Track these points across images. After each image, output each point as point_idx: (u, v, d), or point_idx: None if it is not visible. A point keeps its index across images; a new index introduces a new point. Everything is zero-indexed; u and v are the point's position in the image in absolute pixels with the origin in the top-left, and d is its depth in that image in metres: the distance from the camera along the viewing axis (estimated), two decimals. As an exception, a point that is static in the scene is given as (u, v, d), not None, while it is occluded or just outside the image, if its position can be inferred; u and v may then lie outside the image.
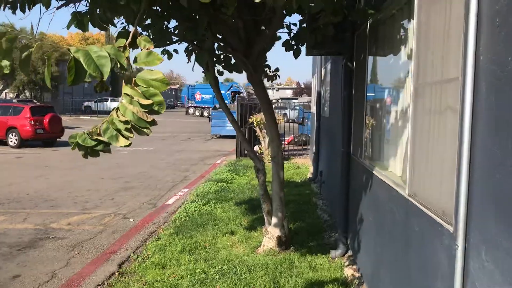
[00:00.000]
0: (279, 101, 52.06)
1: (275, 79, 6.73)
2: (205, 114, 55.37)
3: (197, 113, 59.89)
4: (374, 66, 5.84)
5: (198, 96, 59.09)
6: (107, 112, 56.67)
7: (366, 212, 5.73)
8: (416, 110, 3.81)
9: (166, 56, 5.80)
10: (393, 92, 4.99)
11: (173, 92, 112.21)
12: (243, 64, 6.39)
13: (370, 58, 5.87)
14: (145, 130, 2.51)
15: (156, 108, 2.51)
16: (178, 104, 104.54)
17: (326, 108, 11.55)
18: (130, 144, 2.47)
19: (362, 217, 5.90)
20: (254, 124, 17.27)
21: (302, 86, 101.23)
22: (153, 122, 2.49)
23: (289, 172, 14.55)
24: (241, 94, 50.93)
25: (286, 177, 13.31)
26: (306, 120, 24.72)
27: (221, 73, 6.49)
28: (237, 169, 14.82)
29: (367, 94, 5.93)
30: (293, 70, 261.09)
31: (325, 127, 11.31)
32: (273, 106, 7.03)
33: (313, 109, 16.70)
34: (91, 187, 12.55)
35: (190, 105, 60.36)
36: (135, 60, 2.47)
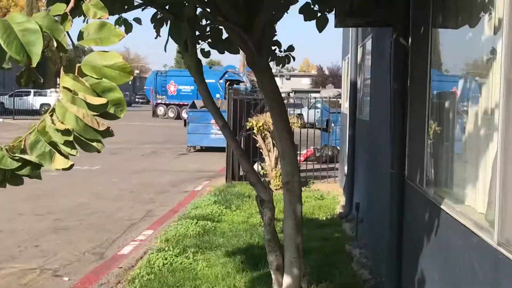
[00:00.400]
0: (291, 95, 50.90)
1: (288, 62, 6.68)
2: (184, 115, 52.52)
3: (171, 113, 59.16)
4: (442, 44, 5.82)
5: (172, 88, 58.34)
6: (30, 113, 56.50)
7: (429, 268, 5.69)
8: (509, 111, 3.78)
9: (123, 27, 5.77)
10: (471, 84, 4.97)
11: (130, 82, 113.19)
12: (240, 40, 6.33)
13: (435, 32, 5.86)
14: (95, 144, 2.48)
15: (112, 111, 2.48)
16: (137, 100, 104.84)
17: (364, 107, 11.59)
18: (71, 166, 2.44)
19: (424, 276, 5.86)
20: (255, 131, 16.84)
21: (326, 72, 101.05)
22: (108, 132, 2.46)
23: (308, 204, 14.53)
24: (241, 84, 50.39)
25: (304, 212, 13.31)
26: (332, 125, 24.34)
27: (206, 54, 6.44)
28: (228, 200, 14.78)
29: (431, 87, 5.91)
30: (312, 49, 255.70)
31: (364, 136, 11.31)
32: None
33: (344, 108, 17.05)
34: (3, 227, 12.51)
35: (159, 101, 59.54)
36: (81, 36, 2.44)
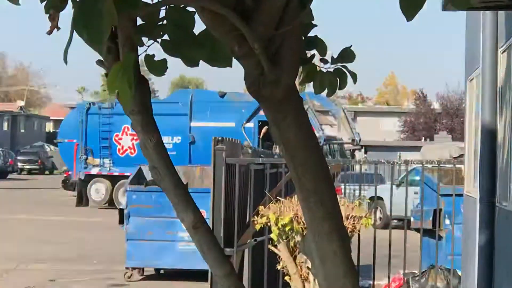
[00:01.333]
0: (359, 155, 34.23)
1: (342, 86, 3.66)
2: (121, 199, 28.87)
3: (121, 200, 27.37)
4: None
5: (125, 143, 34.28)
6: None
7: None
8: None
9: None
10: None
11: (6, 127, 72.48)
12: (233, 37, 3.28)
13: None
14: None
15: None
16: (20, 167, 66.12)
17: None
18: None
19: None
20: (272, 235, 9.01)
21: (435, 106, 59.50)
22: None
23: None
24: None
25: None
26: (447, 223, 13.92)
27: (159, 66, 3.41)
28: None
29: None
30: (404, 62, 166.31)
31: None
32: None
33: (471, 186, 10.10)
34: None
35: (93, 171, 34.66)
36: None
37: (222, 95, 34.83)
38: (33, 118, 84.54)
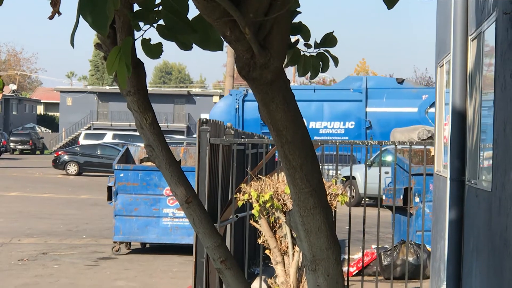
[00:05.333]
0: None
1: (324, 69, 3.62)
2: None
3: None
4: None
5: None
6: None
7: None
8: None
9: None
10: None
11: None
12: (222, 24, 3.17)
13: None
14: None
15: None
16: (13, 147, 64.77)
17: (482, 164, 6.65)
18: None
19: None
20: (254, 212, 8.70)
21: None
22: None
23: None
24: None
25: None
26: (417, 201, 13.54)
27: (155, 50, 3.32)
28: None
29: None
30: (376, 47, 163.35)
31: (483, 222, 6.37)
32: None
33: (441, 165, 9.72)
34: None
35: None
36: None
37: (401, 81, 34.13)
38: (25, 101, 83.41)
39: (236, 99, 34.48)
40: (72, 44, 2.70)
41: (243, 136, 12.35)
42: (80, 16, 2.62)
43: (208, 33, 3.10)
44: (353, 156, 19.97)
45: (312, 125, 33.86)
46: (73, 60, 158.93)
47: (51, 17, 3.05)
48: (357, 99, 33.93)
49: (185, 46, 3.09)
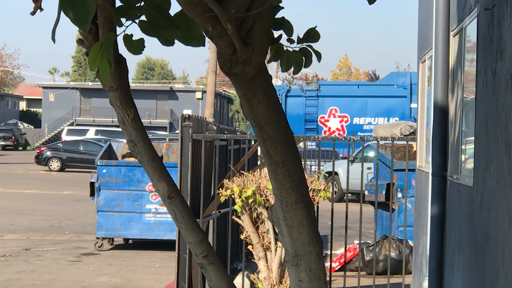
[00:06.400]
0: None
1: (307, 65, 3.61)
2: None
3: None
4: None
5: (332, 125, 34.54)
6: None
7: None
8: None
9: None
10: None
11: None
12: (205, 20, 3.15)
13: None
14: None
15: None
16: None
17: (464, 159, 6.64)
18: None
19: None
20: (236, 207, 8.59)
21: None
22: None
23: None
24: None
25: None
26: (399, 196, 13.45)
27: (137, 46, 3.33)
28: None
29: None
30: (357, 43, 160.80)
31: (465, 217, 6.34)
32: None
33: (423, 161, 9.51)
34: None
35: None
36: None
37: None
38: (7, 97, 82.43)
39: (279, 94, 33.64)
40: (53, 40, 2.67)
41: (225, 132, 12.32)
42: (62, 12, 2.58)
43: (190, 29, 3.05)
44: (336, 152, 20.02)
45: (356, 121, 34.12)
46: (56, 56, 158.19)
47: (33, 13, 3.01)
48: (401, 95, 34.08)
49: (167, 42, 3.04)
